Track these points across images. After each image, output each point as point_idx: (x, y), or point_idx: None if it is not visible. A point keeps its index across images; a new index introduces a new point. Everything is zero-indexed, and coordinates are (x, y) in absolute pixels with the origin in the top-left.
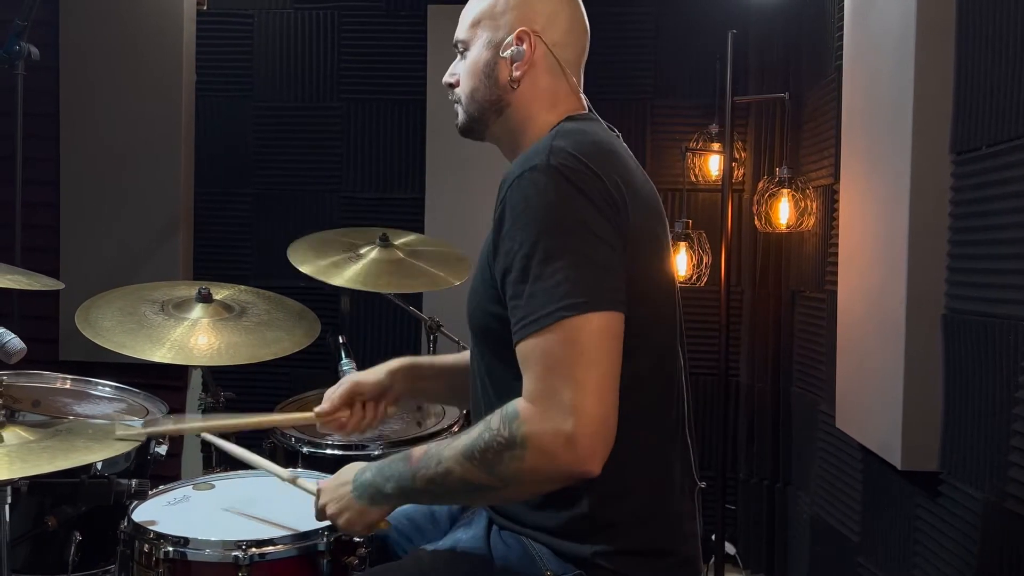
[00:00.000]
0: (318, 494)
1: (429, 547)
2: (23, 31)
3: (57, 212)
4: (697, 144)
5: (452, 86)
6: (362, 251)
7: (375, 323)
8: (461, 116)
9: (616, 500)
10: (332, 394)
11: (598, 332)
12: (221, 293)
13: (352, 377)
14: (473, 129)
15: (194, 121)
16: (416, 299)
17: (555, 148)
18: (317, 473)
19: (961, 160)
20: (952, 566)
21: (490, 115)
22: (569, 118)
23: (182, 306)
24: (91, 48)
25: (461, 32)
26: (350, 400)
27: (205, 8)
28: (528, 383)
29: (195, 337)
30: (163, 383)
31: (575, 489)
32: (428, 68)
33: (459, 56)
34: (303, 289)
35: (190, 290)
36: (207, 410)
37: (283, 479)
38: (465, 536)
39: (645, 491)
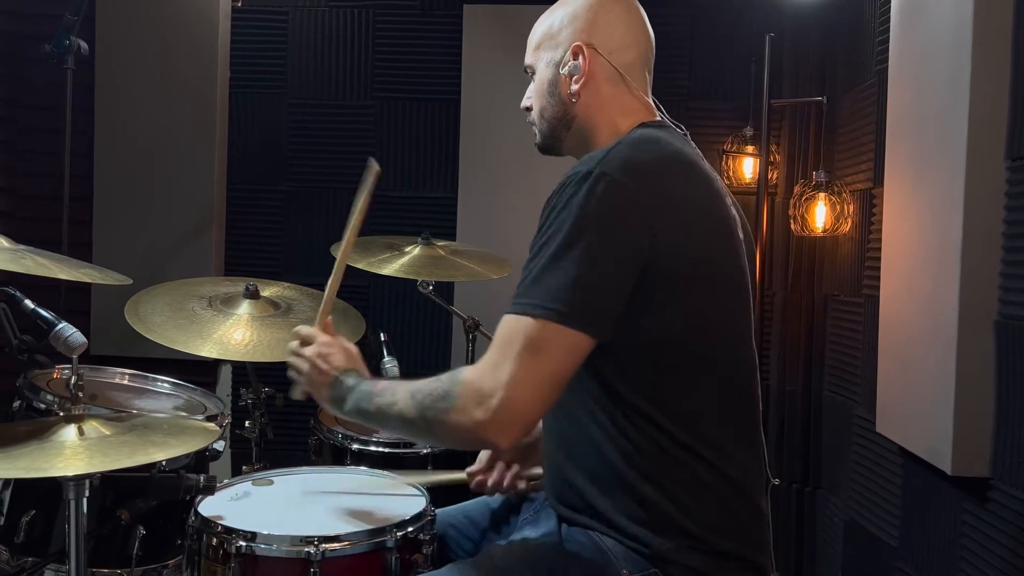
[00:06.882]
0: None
1: (500, 543)
2: (73, 26)
3: (91, 206)
4: (731, 147)
5: (528, 109)
6: (405, 248)
7: (409, 322)
8: (537, 136)
9: (696, 501)
10: (483, 455)
11: (565, 346)
12: (267, 290)
13: None
14: (550, 146)
15: (227, 118)
16: (450, 300)
17: (609, 158)
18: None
19: (1016, 166)
20: (1001, 572)
21: (560, 130)
22: (641, 125)
23: (230, 302)
24: (127, 44)
25: (528, 57)
26: (494, 459)
27: (240, 5)
28: (487, 352)
29: (243, 333)
30: (194, 379)
31: (656, 489)
32: (463, 68)
33: (531, 81)
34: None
35: (235, 286)
36: (248, 408)
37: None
38: (534, 534)
39: (725, 493)
